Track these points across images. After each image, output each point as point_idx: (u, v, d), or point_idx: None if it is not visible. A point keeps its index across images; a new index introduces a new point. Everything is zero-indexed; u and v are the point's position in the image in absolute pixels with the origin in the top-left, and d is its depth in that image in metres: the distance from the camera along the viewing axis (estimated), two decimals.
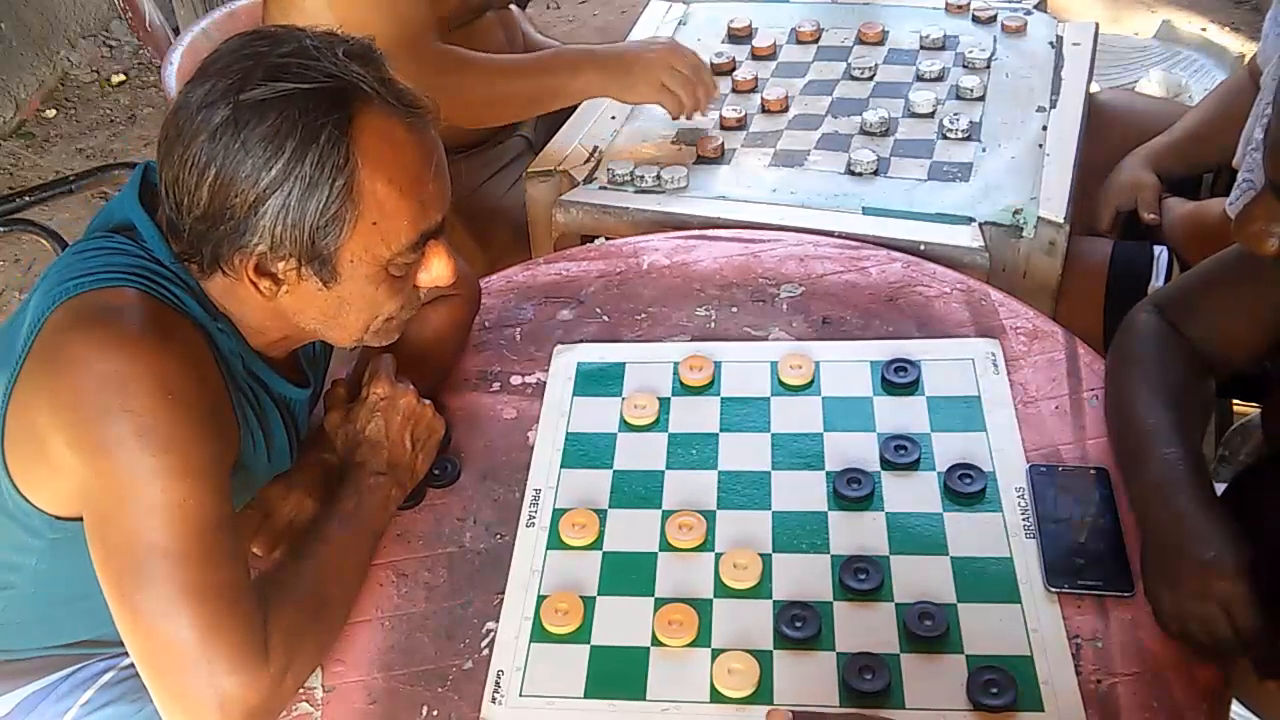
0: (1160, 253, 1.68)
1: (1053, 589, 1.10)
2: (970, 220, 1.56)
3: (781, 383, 1.34)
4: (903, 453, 1.23)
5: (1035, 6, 2.05)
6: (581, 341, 1.43)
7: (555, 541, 1.19)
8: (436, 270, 1.11)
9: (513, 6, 1.93)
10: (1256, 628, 1.00)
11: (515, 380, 1.39)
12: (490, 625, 1.13)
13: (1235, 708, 1.19)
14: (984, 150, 1.69)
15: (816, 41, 1.98)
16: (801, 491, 1.22)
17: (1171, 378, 1.20)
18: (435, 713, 1.06)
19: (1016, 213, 1.56)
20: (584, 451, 1.29)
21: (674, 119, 1.74)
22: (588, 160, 1.76)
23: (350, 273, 1.05)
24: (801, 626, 1.08)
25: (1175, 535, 1.05)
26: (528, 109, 1.80)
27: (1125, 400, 1.21)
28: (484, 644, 1.11)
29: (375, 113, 1.02)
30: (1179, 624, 1.03)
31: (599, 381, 1.37)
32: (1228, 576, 1.00)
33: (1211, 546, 1.02)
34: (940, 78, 1.85)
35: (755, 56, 1.97)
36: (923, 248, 1.53)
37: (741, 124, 1.79)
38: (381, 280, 1.07)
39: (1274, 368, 1.30)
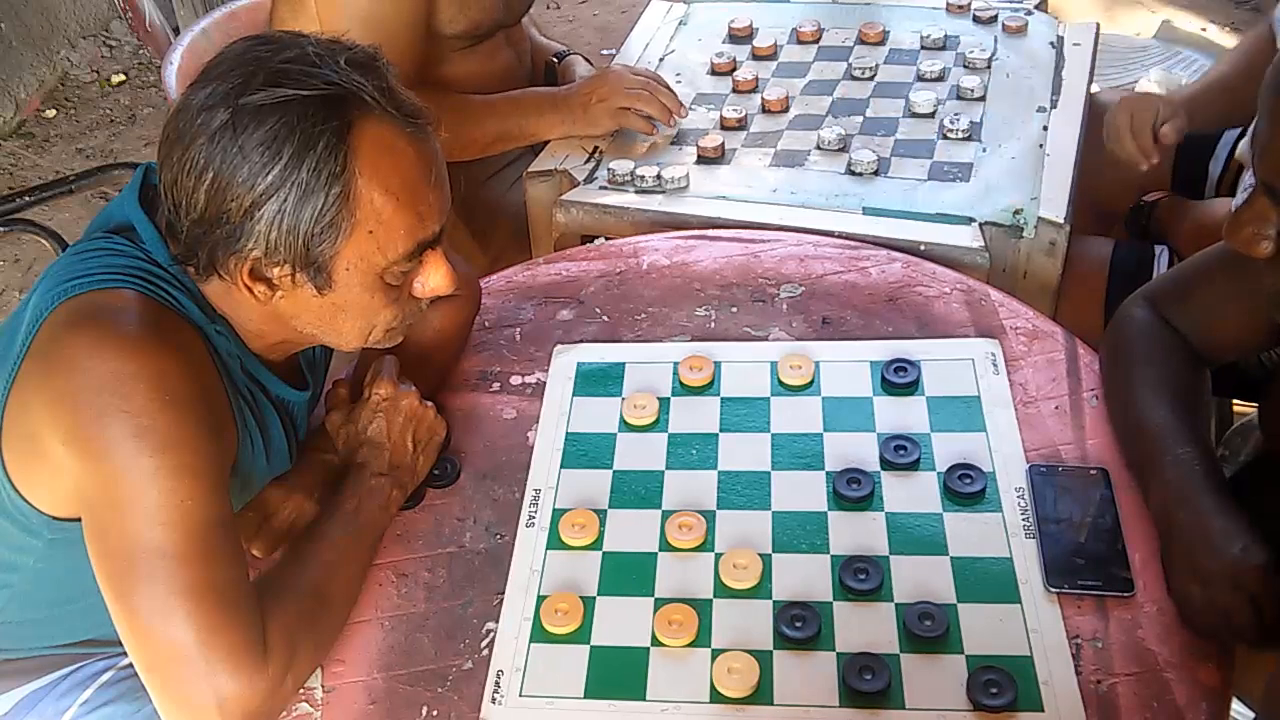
0: (1161, 252, 1.68)
1: (1052, 589, 1.10)
2: (970, 220, 1.56)
3: (781, 383, 1.34)
4: (902, 453, 1.23)
5: (1036, 6, 2.05)
6: (581, 342, 1.43)
7: (555, 542, 1.19)
8: (434, 280, 1.11)
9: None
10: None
11: (515, 380, 1.39)
12: (490, 625, 1.13)
13: (1235, 707, 1.19)
14: (984, 150, 1.69)
15: (817, 42, 1.98)
16: (801, 491, 1.22)
17: (1171, 375, 1.21)
18: (435, 713, 1.06)
19: (1017, 213, 1.56)
20: (584, 452, 1.29)
21: (648, 135, 1.77)
22: (588, 160, 1.76)
23: (345, 280, 1.05)
24: (801, 626, 1.08)
25: (1201, 533, 1.06)
26: (493, 148, 1.83)
27: (1129, 402, 1.21)
28: (484, 644, 1.11)
29: (374, 121, 1.01)
30: (1210, 618, 1.03)
31: (599, 382, 1.37)
32: (1260, 569, 1.02)
33: (1239, 541, 1.04)
34: (941, 78, 1.85)
35: (756, 57, 1.97)
36: (923, 248, 1.53)
37: (742, 124, 1.79)
38: (377, 289, 1.07)
39: (1271, 361, 1.30)
